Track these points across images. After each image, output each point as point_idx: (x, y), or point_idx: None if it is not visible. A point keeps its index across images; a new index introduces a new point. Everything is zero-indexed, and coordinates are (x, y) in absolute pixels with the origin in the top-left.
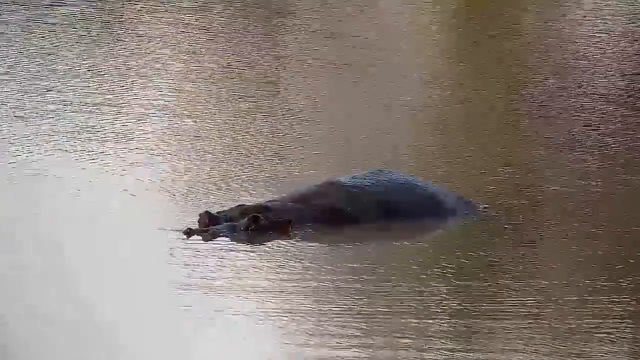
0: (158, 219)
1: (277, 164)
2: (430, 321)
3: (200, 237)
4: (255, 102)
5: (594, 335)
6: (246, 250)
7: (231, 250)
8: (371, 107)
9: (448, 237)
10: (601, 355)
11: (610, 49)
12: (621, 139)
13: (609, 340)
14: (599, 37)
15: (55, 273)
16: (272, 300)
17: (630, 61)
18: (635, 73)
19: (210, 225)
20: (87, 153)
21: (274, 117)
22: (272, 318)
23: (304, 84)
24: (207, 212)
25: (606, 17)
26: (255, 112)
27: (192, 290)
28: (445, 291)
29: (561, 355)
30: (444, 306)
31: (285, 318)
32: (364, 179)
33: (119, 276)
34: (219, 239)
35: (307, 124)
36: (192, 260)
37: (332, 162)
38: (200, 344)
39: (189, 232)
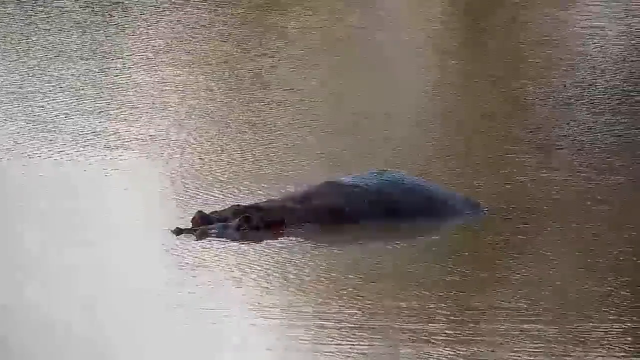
0: (152, 218)
1: (277, 163)
2: (430, 321)
3: (190, 237)
4: (254, 101)
5: (595, 335)
6: (234, 250)
7: (218, 250)
8: (373, 107)
9: (449, 237)
10: (603, 356)
11: (610, 49)
12: (621, 140)
13: (610, 341)
14: (598, 36)
15: (44, 270)
16: (260, 301)
17: (630, 61)
18: (634, 72)
19: (202, 225)
20: (82, 152)
21: (273, 117)
22: (261, 319)
23: (303, 82)
24: (199, 211)
25: (605, 16)
26: (254, 111)
27: (178, 289)
28: (445, 291)
29: (561, 355)
30: (444, 307)
31: (276, 319)
32: (365, 178)
33: (103, 275)
34: (209, 238)
35: (307, 123)
36: (176, 260)
37: (333, 162)
38: (186, 344)
39: (178, 231)
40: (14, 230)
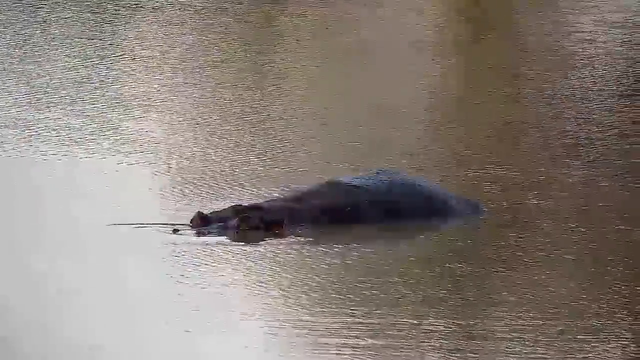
0: (151, 218)
1: (277, 163)
2: (430, 322)
3: (188, 237)
4: (254, 101)
5: (595, 336)
6: (233, 250)
7: (217, 250)
8: (373, 106)
9: (449, 237)
10: (603, 357)
11: (609, 52)
12: (620, 140)
13: (610, 341)
14: (597, 37)
15: (41, 270)
16: (259, 301)
17: (629, 65)
18: (633, 76)
19: (202, 226)
20: (82, 151)
21: (273, 116)
22: (259, 319)
23: (304, 82)
24: (199, 212)
25: (605, 18)
26: (254, 111)
27: (176, 290)
28: (445, 292)
29: (561, 355)
30: (444, 307)
31: (275, 320)
32: (365, 179)
33: (102, 275)
34: (207, 239)
35: (307, 123)
36: (175, 260)
37: (333, 162)
38: (185, 344)
39: (176, 232)
40: (11, 230)
